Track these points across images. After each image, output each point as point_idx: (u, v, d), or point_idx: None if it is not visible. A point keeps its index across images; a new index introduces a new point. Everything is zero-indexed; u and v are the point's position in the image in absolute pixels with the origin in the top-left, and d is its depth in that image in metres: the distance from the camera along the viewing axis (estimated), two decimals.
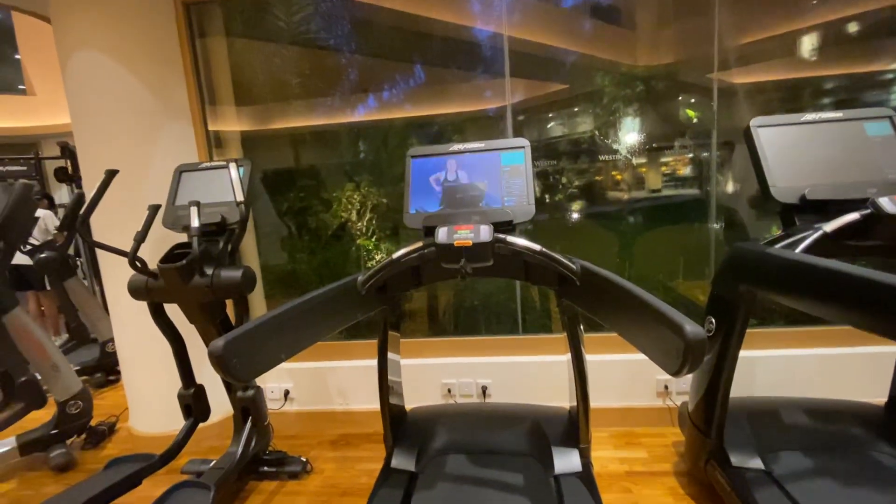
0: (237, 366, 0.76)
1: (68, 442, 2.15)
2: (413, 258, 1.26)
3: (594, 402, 1.48)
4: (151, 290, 1.56)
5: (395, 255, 1.25)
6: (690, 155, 2.35)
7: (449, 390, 2.16)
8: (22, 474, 2.08)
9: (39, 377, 2.08)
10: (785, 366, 1.94)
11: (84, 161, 2.06)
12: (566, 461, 1.44)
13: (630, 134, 2.31)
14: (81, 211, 1.65)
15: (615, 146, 2.31)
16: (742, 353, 1.39)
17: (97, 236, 1.99)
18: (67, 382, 2.16)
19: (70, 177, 4.28)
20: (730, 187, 2.26)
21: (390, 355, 1.53)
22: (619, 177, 2.42)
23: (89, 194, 1.67)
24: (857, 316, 0.92)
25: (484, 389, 2.13)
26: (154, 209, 1.58)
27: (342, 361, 2.24)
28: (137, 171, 1.97)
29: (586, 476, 1.39)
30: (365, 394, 2.21)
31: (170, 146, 2.06)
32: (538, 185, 2.47)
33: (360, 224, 2.71)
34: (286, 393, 2.26)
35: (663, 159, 2.41)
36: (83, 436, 2.27)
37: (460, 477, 1.46)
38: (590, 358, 1.40)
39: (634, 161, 2.32)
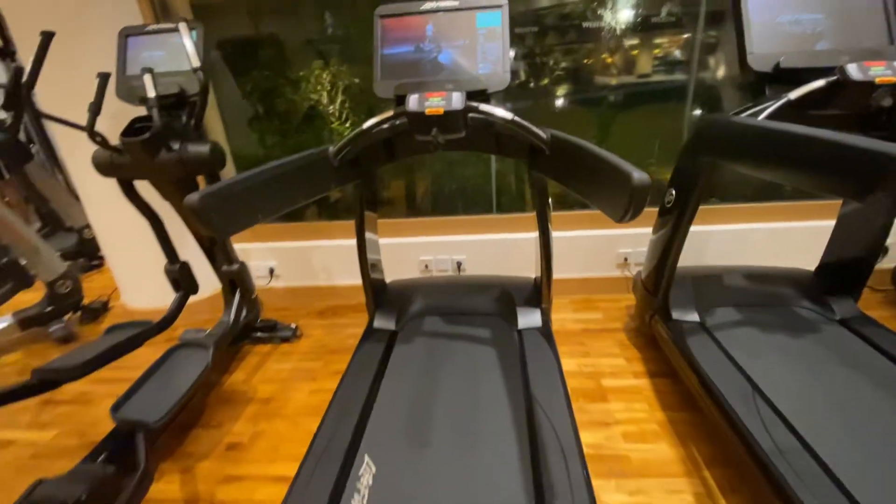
0: (214, 219, 0.80)
1: (66, 318, 2.27)
2: (384, 129, 1.25)
3: (559, 274, 1.62)
4: (118, 165, 1.52)
5: (366, 124, 1.23)
6: (686, 35, 2.21)
7: (426, 266, 2.30)
8: (27, 346, 2.22)
9: (23, 262, 2.11)
10: (736, 238, 2.10)
11: (16, 31, 1.84)
12: (528, 318, 1.61)
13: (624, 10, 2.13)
14: (23, 81, 1.53)
15: (605, 21, 2.15)
16: (698, 228, 1.49)
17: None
18: (51, 264, 2.21)
19: (2, 52, 3.82)
20: (721, 72, 2.19)
21: (368, 235, 1.59)
22: (609, 60, 2.29)
23: (28, 66, 1.53)
24: (808, 176, 0.96)
25: (459, 265, 2.27)
26: (104, 77, 1.47)
27: (324, 241, 2.32)
28: (78, 36, 1.78)
29: (545, 331, 1.58)
30: (347, 270, 2.34)
31: (110, 13, 1.84)
32: (523, 67, 2.33)
33: (331, 108, 2.58)
34: (271, 270, 2.37)
35: (657, 40, 2.26)
36: (79, 313, 2.39)
37: (436, 333, 1.64)
38: (557, 234, 1.50)
39: (626, 43, 2.18)
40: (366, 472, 1.08)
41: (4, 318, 2.13)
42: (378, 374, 1.44)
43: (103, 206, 2.11)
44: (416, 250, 2.28)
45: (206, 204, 0.77)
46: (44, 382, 1.27)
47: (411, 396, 1.33)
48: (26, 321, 2.15)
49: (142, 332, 1.55)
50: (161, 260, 1.82)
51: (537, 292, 1.68)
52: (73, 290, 2.28)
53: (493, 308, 1.73)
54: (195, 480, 1.37)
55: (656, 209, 1.61)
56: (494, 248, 2.24)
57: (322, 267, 2.37)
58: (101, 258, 3.03)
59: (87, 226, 3.07)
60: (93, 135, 1.47)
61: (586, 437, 1.35)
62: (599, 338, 1.91)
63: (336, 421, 1.25)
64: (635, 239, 2.11)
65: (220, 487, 1.34)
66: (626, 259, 2.17)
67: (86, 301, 2.39)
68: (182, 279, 1.85)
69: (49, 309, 2.21)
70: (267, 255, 2.35)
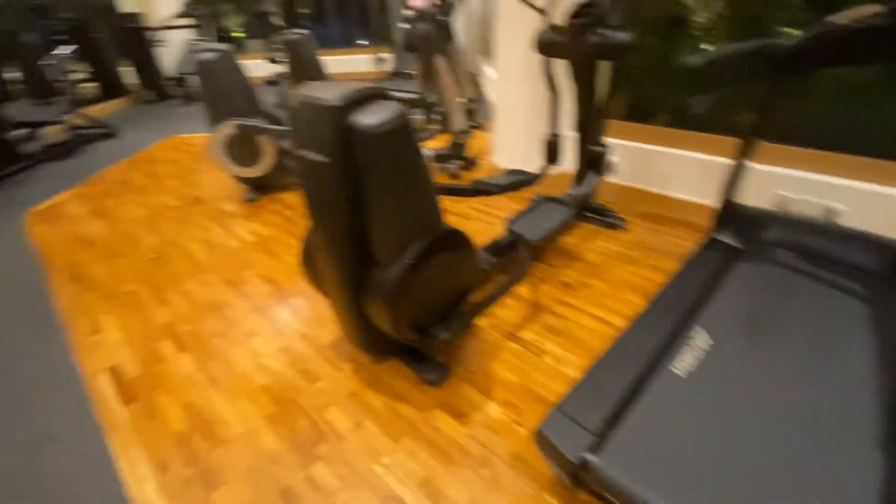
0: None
1: (455, 162, 3.15)
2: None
3: None
4: (555, 44, 1.91)
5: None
6: None
7: (782, 203, 2.08)
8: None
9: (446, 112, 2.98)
10: None
11: None
12: None
13: None
14: None
15: None
16: None
17: None
18: (458, 121, 3.03)
19: None
20: None
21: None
22: None
23: None
24: None
25: (831, 215, 1.96)
26: None
27: (669, 148, 2.36)
28: None
29: None
30: (685, 183, 2.35)
31: None
32: None
33: (702, 17, 2.36)
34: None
35: None
36: (462, 162, 3.26)
37: (788, 267, 1.57)
38: None
39: None
40: (701, 339, 1.25)
41: (427, 150, 3.13)
42: (716, 278, 1.53)
43: (509, 83, 2.70)
44: (772, 181, 2.07)
45: None
46: (477, 190, 1.90)
47: (755, 308, 1.38)
48: (438, 157, 3.10)
49: (527, 179, 2.05)
50: (526, 132, 2.26)
51: None
52: (464, 144, 3.11)
53: (873, 265, 1.49)
54: (538, 293, 1.86)
55: None
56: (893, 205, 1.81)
57: (659, 173, 2.45)
58: (475, 125, 3.90)
59: (471, 99, 3.95)
60: (546, 16, 1.86)
61: None
62: None
63: (668, 300, 1.43)
64: None
65: (554, 304, 1.79)
66: None
67: (466, 153, 3.23)
68: (552, 149, 2.27)
69: (449, 152, 3.11)
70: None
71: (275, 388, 1.50)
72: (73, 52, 5.68)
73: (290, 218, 2.70)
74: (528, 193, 2.44)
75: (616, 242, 2.21)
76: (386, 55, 7.40)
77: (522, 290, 1.86)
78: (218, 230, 2.61)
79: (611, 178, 2.64)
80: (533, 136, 2.57)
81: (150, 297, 2.03)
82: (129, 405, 1.48)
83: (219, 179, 3.30)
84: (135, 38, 6.11)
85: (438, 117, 3.10)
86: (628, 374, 1.17)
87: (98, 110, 5.55)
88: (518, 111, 2.77)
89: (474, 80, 4.17)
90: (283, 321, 1.82)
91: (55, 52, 5.95)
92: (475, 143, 3.40)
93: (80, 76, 6.36)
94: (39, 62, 5.19)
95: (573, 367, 1.49)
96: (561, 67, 2.03)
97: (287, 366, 1.59)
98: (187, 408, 1.45)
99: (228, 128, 2.68)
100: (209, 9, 7.59)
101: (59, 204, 3.14)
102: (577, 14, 1.81)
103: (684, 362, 1.20)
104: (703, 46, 2.41)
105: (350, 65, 7.48)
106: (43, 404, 1.54)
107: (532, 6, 1.94)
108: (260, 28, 8.32)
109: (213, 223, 2.70)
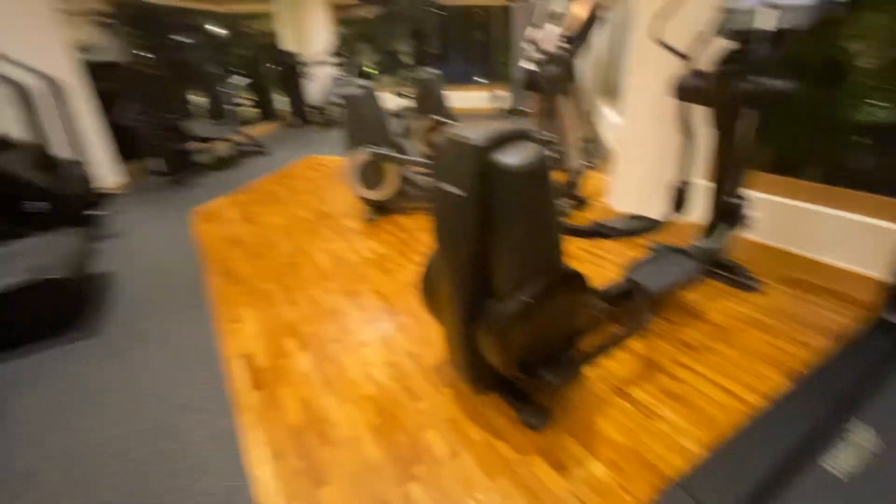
0: None
1: (568, 202, 3.11)
2: None
3: None
4: (698, 90, 1.82)
5: None
6: None
7: None
8: None
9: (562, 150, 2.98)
10: None
11: None
12: None
13: None
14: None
15: None
16: None
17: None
18: (574, 160, 3.01)
19: None
20: None
21: None
22: None
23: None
24: None
25: None
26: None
27: (825, 208, 2.07)
28: None
29: None
30: (843, 248, 2.04)
31: None
32: None
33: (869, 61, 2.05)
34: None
35: None
36: (574, 201, 3.21)
37: None
38: None
39: None
40: (864, 437, 1.06)
41: None
42: (884, 366, 1.29)
43: (635, 126, 2.63)
44: None
45: None
46: (596, 232, 1.86)
47: None
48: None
49: (649, 225, 1.95)
50: (649, 176, 2.14)
51: None
52: (578, 182, 3.07)
53: None
54: (654, 350, 1.72)
55: None
56: None
57: (809, 234, 2.16)
58: (590, 165, 3.83)
59: (588, 139, 3.90)
60: (688, 61, 1.79)
61: None
62: None
63: (820, 383, 1.24)
64: None
65: (671, 365, 1.64)
66: None
67: (579, 192, 3.17)
68: (680, 197, 2.13)
69: (562, 190, 3.08)
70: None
71: (380, 399, 1.58)
72: (244, 81, 6.79)
73: (404, 240, 2.88)
74: (647, 241, 2.32)
75: (748, 306, 1.97)
76: (502, 93, 7.67)
77: (636, 344, 1.75)
78: (341, 243, 2.87)
79: (747, 234, 2.39)
80: (656, 182, 2.46)
81: (282, 296, 2.29)
82: (258, 391, 1.66)
83: (345, 197, 3.65)
84: (290, 72, 7.14)
85: (555, 155, 3.11)
86: (767, 461, 1.03)
87: (255, 131, 6.53)
88: (642, 154, 2.67)
89: (591, 121, 4.14)
90: (392, 336, 1.92)
91: (231, 80, 7.17)
92: (588, 182, 3.34)
93: (245, 101, 7.59)
94: (219, 88, 6.30)
95: (692, 439, 1.34)
96: (699, 113, 1.93)
97: (392, 380, 1.67)
98: (303, 403, 1.59)
99: (363, 154, 2.97)
100: (352, 48, 8.61)
101: (218, 207, 3.72)
102: (727, 60, 1.72)
103: (842, 462, 1.02)
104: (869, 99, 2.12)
105: (467, 101, 7.87)
106: (188, 375, 1.79)
107: (674, 51, 1.88)
108: (390, 65, 9.22)
109: (337, 237, 2.98)
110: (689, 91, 1.85)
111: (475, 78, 9.46)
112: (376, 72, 10.03)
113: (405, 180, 3.30)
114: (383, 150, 3.02)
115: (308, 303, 2.22)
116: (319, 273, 2.51)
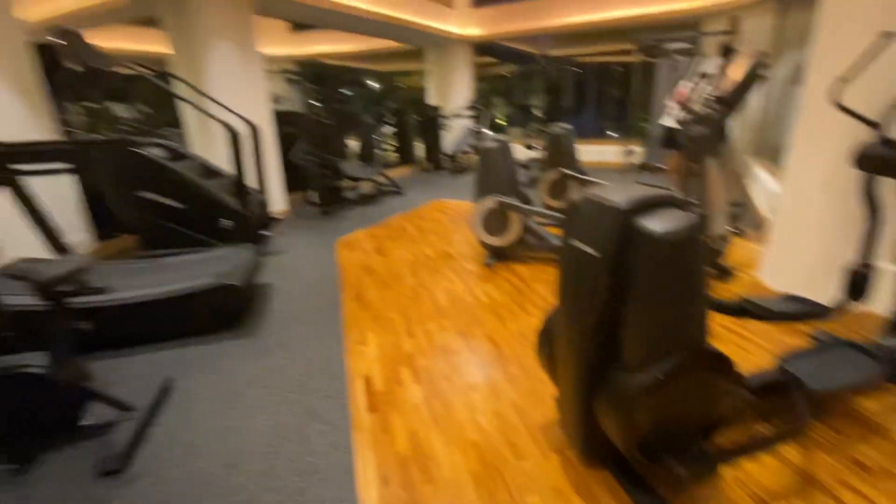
0: None
1: (709, 271, 2.82)
2: None
3: None
4: (887, 161, 1.56)
5: None
6: None
7: None
8: None
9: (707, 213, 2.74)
10: None
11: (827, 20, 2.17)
12: None
13: None
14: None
15: None
16: None
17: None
18: (719, 226, 2.74)
19: (731, 50, 4.70)
20: None
21: None
22: None
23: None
24: None
25: None
26: None
27: None
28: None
29: None
30: None
31: None
32: None
33: None
34: None
35: None
36: (716, 271, 2.89)
37: None
38: None
39: None
40: None
41: None
42: None
43: (800, 194, 2.32)
44: None
45: None
46: (745, 311, 1.66)
47: None
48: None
49: (813, 311, 1.67)
50: (815, 253, 1.83)
51: None
52: (722, 250, 2.77)
53: None
54: (813, 463, 1.43)
55: None
56: None
57: None
58: (737, 232, 3.45)
59: (735, 203, 3.53)
60: (878, 129, 1.56)
61: None
62: None
63: None
64: None
65: (837, 486, 1.34)
66: None
67: (723, 261, 2.85)
68: (859, 282, 1.80)
69: (710, 256, 2.81)
70: None
71: (483, 448, 1.57)
72: (391, 129, 7.67)
73: (520, 288, 2.89)
74: (810, 328, 1.98)
75: None
76: (635, 148, 7.40)
77: (791, 451, 1.47)
78: (460, 284, 2.99)
79: None
80: (825, 260, 2.11)
81: (402, 327, 2.45)
82: (371, 413, 1.78)
83: (467, 240, 3.82)
84: (430, 123, 7.87)
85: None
86: None
87: (394, 173, 7.26)
88: (808, 227, 2.33)
89: (742, 183, 3.76)
90: (500, 385, 1.91)
91: (381, 129, 8.16)
92: (735, 251, 2.99)
93: (389, 147, 8.54)
94: (372, 135, 7.21)
95: None
96: (887, 186, 1.64)
97: (497, 431, 1.65)
98: (411, 435, 1.65)
99: (491, 202, 3.11)
100: (486, 101, 9.20)
101: (357, 238, 4.18)
102: None
103: None
104: None
105: (599, 154, 7.75)
106: (316, 385, 2.00)
107: (860, 118, 1.65)
108: (521, 118, 9.59)
109: (456, 277, 3.12)
110: (875, 161, 1.59)
111: (608, 132, 9.32)
112: (506, 123, 10.51)
113: (527, 230, 3.34)
114: (510, 200, 3.12)
115: (424, 336, 2.34)
116: (437, 310, 2.64)
